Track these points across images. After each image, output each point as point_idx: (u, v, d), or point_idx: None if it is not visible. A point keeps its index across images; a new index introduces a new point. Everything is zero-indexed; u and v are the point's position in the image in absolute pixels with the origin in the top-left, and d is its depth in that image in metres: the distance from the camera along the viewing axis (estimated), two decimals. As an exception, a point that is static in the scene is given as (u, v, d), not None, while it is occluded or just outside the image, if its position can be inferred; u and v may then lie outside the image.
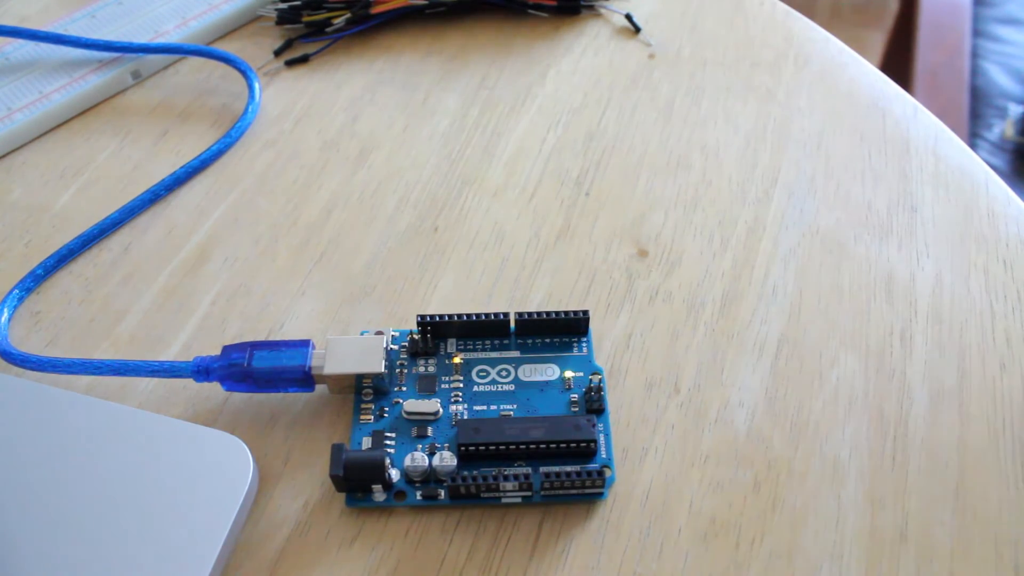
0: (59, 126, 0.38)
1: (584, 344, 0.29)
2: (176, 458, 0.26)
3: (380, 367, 0.27)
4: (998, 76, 0.84)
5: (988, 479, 0.26)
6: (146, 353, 0.30)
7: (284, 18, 0.41)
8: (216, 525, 0.25)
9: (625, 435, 0.27)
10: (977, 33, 0.87)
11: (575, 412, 0.27)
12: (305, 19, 0.40)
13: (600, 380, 0.28)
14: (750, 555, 0.25)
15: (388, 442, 0.27)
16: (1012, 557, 0.25)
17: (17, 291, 0.31)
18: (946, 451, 0.27)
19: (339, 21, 0.40)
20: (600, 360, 0.29)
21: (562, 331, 0.29)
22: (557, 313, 0.28)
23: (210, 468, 0.26)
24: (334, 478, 0.25)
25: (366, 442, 0.27)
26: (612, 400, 0.28)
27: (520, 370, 0.28)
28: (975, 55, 0.86)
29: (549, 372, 0.28)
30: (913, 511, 0.25)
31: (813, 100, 0.37)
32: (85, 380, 0.29)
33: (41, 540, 0.25)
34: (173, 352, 0.30)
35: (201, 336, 0.30)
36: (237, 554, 0.25)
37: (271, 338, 0.30)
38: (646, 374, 0.29)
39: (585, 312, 0.28)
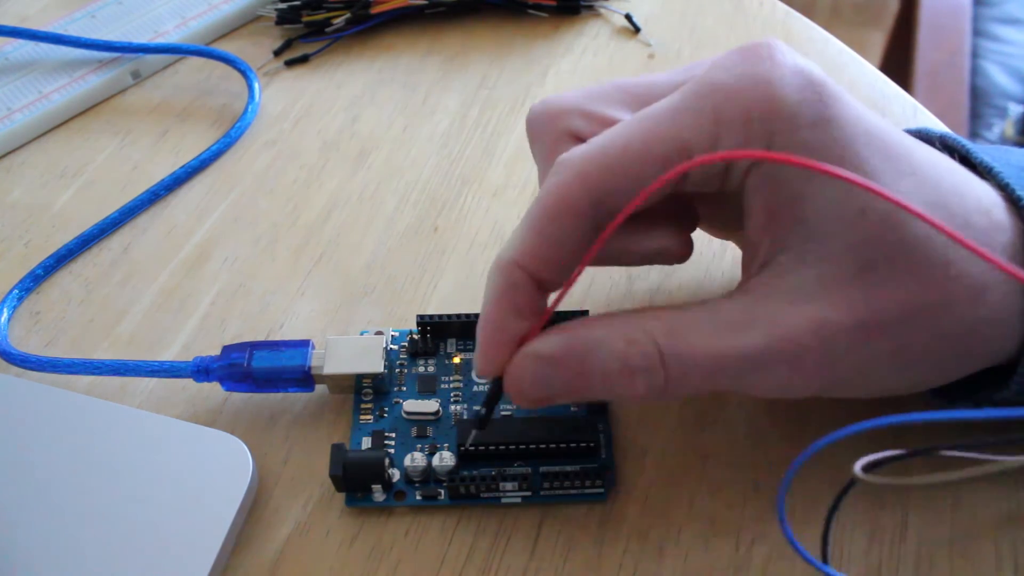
0: (59, 126, 0.38)
1: None
2: (176, 458, 0.26)
3: (380, 367, 0.27)
4: (998, 76, 0.84)
5: (988, 478, 0.26)
6: (146, 353, 0.30)
7: (284, 18, 0.41)
8: (216, 525, 0.25)
9: (625, 435, 0.27)
10: (977, 33, 0.87)
11: (575, 412, 0.27)
12: (305, 19, 0.40)
13: None
14: (750, 555, 0.25)
15: (388, 442, 0.27)
16: (1012, 557, 0.24)
17: (17, 291, 0.31)
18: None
19: (339, 21, 0.40)
20: (600, 360, 0.29)
21: None
22: (556, 313, 0.28)
23: (210, 468, 0.26)
24: (334, 478, 0.25)
25: (366, 442, 0.27)
26: (612, 400, 0.28)
27: None
28: (975, 55, 0.86)
29: None
30: (913, 511, 0.25)
31: (813, 100, 0.37)
32: (85, 380, 0.29)
33: (41, 539, 0.25)
34: (173, 352, 0.30)
35: (201, 336, 0.30)
36: (237, 554, 0.25)
37: (271, 338, 0.30)
38: (646, 374, 0.29)
39: (584, 312, 0.28)
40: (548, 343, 0.22)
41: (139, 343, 0.30)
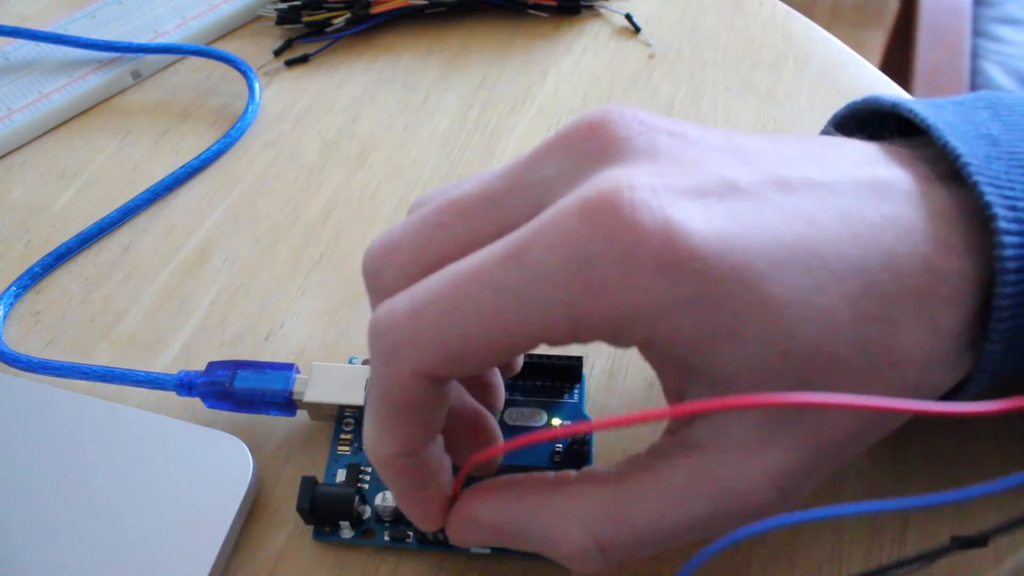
0: (59, 126, 0.38)
1: (576, 392, 0.27)
2: (176, 458, 0.26)
3: (361, 400, 0.26)
4: (998, 76, 0.84)
5: (988, 479, 0.26)
6: (146, 353, 0.30)
7: (284, 18, 0.41)
8: (216, 525, 0.25)
9: (626, 435, 0.27)
10: (977, 33, 0.87)
11: (557, 463, 0.26)
12: (305, 19, 0.40)
13: (588, 435, 0.26)
14: (750, 556, 0.25)
15: (363, 476, 0.26)
16: (1012, 557, 0.24)
17: (14, 288, 0.31)
18: (945, 451, 0.27)
19: (339, 21, 0.40)
20: (600, 360, 0.29)
21: (555, 376, 0.27)
22: (550, 357, 0.27)
23: (210, 468, 0.26)
24: (301, 512, 0.24)
25: (341, 474, 0.26)
26: (613, 399, 0.28)
27: (507, 413, 0.27)
28: (975, 55, 0.86)
29: (536, 418, 0.27)
30: (913, 511, 0.25)
31: (813, 100, 0.37)
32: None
33: (41, 540, 0.25)
34: (173, 352, 0.30)
35: (201, 336, 0.30)
36: (237, 554, 0.25)
37: (270, 338, 0.30)
38: (646, 374, 0.29)
39: (578, 359, 0.27)
40: (487, 512, 0.21)
41: (139, 343, 0.30)
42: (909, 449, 0.27)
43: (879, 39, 1.28)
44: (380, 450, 0.20)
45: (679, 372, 0.20)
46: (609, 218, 0.17)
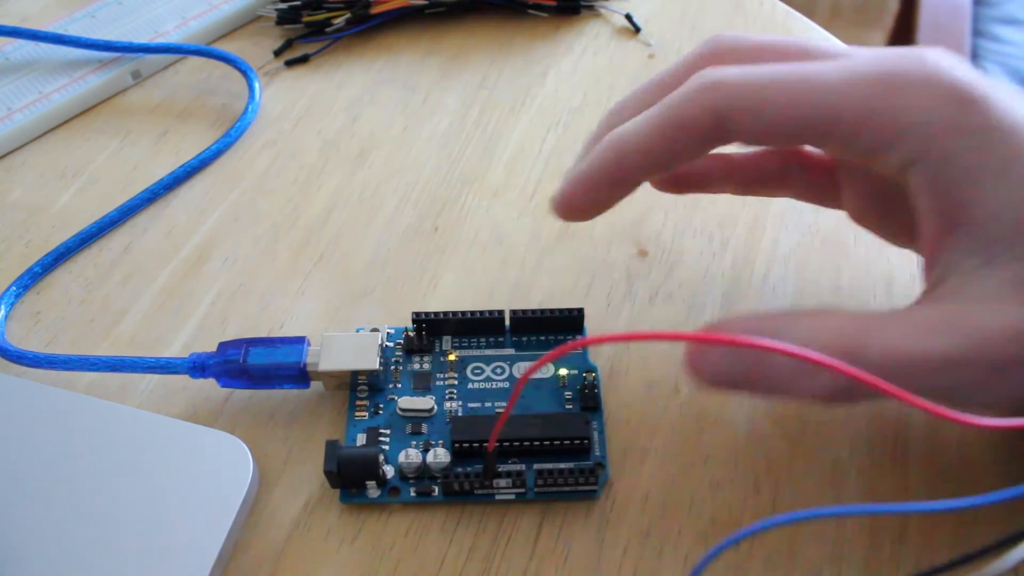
0: (59, 126, 0.38)
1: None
2: (176, 458, 0.26)
3: (375, 364, 0.27)
4: (998, 76, 0.84)
5: (988, 479, 0.26)
6: (146, 353, 0.30)
7: (284, 18, 0.41)
8: (216, 525, 0.25)
9: (625, 435, 0.27)
10: (977, 33, 0.87)
11: (569, 410, 0.27)
12: (305, 19, 0.40)
13: (595, 378, 0.28)
14: (750, 556, 0.25)
15: (383, 439, 0.27)
16: (1013, 551, 0.24)
17: (15, 288, 0.31)
18: (946, 450, 0.27)
19: (339, 21, 0.40)
20: (600, 360, 0.29)
21: (557, 328, 0.29)
22: (552, 311, 0.28)
23: (210, 468, 0.26)
24: (328, 474, 0.25)
25: (360, 439, 0.27)
26: (612, 400, 0.28)
27: (515, 367, 0.28)
28: (975, 55, 0.86)
29: (544, 369, 0.28)
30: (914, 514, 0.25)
31: (813, 100, 0.37)
32: (85, 380, 0.29)
33: (40, 540, 0.25)
34: (173, 352, 0.30)
35: (201, 336, 0.30)
36: (237, 554, 0.25)
37: (271, 338, 0.30)
38: (646, 374, 0.29)
39: (580, 310, 0.28)
40: (733, 326, 0.22)
41: (139, 343, 0.30)
42: (909, 448, 0.27)
43: (879, 39, 1.28)
44: (632, 137, 0.24)
45: (942, 217, 0.22)
46: (922, 56, 0.22)
